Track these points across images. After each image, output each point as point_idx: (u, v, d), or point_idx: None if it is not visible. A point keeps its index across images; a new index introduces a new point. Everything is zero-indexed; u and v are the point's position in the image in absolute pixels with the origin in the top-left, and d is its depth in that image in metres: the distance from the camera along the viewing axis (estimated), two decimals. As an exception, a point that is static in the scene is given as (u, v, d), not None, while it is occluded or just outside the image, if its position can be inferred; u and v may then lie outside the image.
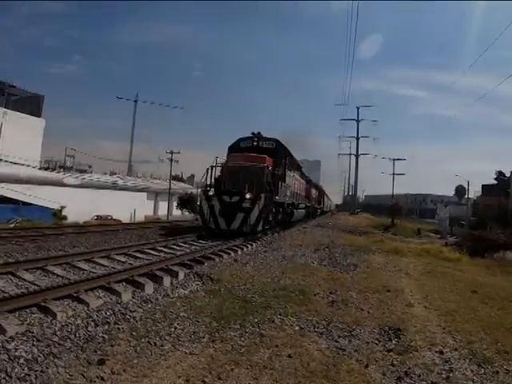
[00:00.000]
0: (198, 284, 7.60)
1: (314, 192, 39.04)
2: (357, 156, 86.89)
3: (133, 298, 6.27)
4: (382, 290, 8.02)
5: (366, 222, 46.61)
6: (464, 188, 50.45)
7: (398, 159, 64.83)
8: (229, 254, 11.58)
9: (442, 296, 7.95)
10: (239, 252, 12.38)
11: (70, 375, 3.67)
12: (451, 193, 71.75)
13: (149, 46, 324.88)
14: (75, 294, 5.83)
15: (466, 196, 49.85)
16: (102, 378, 3.64)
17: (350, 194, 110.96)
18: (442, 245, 20.79)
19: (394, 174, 64.64)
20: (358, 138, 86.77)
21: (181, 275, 7.98)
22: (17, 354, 3.96)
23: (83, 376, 3.66)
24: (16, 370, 3.66)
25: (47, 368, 3.76)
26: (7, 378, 3.50)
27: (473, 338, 5.51)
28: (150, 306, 5.96)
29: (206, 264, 9.44)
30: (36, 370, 3.69)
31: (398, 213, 46.04)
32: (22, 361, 3.84)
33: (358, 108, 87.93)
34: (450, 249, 18.05)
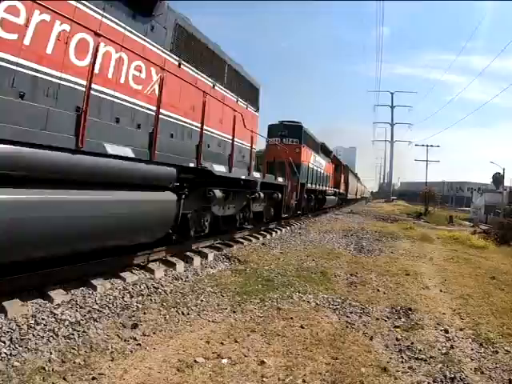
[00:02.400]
0: (225, 264, 8.16)
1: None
2: (391, 142, 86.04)
3: (165, 275, 6.85)
4: (401, 274, 8.38)
5: (400, 210, 46.29)
6: (502, 175, 49.11)
7: (431, 146, 63.54)
8: (257, 238, 12.09)
9: (459, 281, 8.21)
10: (268, 237, 12.87)
11: (107, 335, 4.26)
12: (490, 180, 70.23)
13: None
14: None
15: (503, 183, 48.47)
16: (135, 339, 4.22)
17: (386, 181, 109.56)
18: (471, 232, 20.65)
19: (427, 160, 63.41)
20: (392, 125, 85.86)
21: (210, 256, 8.53)
22: (63, 317, 4.57)
23: (118, 336, 4.25)
24: (62, 330, 4.28)
25: (88, 329, 4.36)
26: (54, 336, 4.11)
27: (480, 320, 5.78)
28: (179, 282, 6.53)
29: (234, 247, 9.99)
30: (78, 331, 4.30)
31: (431, 200, 45.14)
32: (66, 323, 4.45)
33: (391, 94, 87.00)
34: (477, 236, 18.05)
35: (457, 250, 13.19)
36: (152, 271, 6.74)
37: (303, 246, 11.44)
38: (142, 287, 5.95)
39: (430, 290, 7.23)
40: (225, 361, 3.84)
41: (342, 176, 35.13)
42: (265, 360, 3.89)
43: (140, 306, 5.25)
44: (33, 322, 4.38)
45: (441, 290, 7.33)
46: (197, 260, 7.99)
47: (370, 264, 9.28)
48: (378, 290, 6.93)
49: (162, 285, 6.20)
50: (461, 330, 5.33)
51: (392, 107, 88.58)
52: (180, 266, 7.40)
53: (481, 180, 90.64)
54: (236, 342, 4.33)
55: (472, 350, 4.71)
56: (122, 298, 5.46)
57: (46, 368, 3.46)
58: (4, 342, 3.84)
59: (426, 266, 9.60)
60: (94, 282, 5.78)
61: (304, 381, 3.55)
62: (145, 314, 4.98)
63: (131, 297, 5.54)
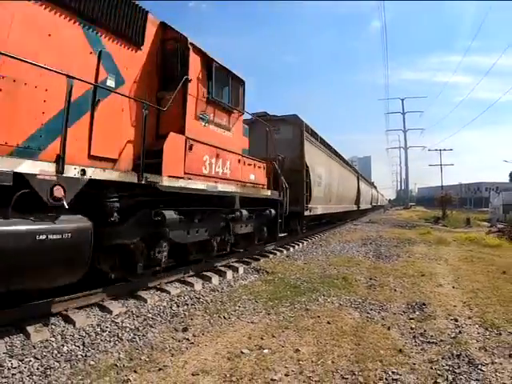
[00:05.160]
0: (255, 276, 8.97)
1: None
2: (405, 149, 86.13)
3: (203, 287, 7.67)
4: (417, 275, 9.06)
5: (418, 216, 46.60)
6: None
7: (444, 150, 63.89)
8: (281, 251, 12.90)
9: (471, 278, 8.86)
10: (291, 250, 13.69)
11: (163, 338, 5.08)
12: (508, 179, 69.80)
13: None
14: (158, 286, 7.28)
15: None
16: (187, 339, 5.02)
17: (403, 188, 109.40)
18: (486, 232, 21.12)
19: (441, 164, 63.81)
20: (404, 131, 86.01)
21: (240, 270, 9.37)
22: (123, 325, 5.43)
23: (173, 338, 5.06)
24: (125, 335, 5.13)
25: (146, 333, 5.21)
26: (119, 340, 4.96)
27: (488, 309, 6.43)
28: (217, 293, 7.36)
29: (261, 260, 10.83)
30: (139, 335, 5.14)
31: (448, 204, 45.16)
32: (127, 329, 5.31)
33: (402, 100, 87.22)
34: (492, 236, 18.56)
35: (471, 250, 13.82)
36: (192, 285, 7.57)
37: (325, 256, 12.22)
38: (186, 298, 6.81)
39: (443, 288, 7.89)
40: (266, 351, 4.62)
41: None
42: (299, 349, 4.66)
43: (187, 313, 6.10)
44: (99, 329, 5.24)
45: (453, 287, 7.98)
46: (229, 273, 8.82)
47: (388, 268, 9.98)
48: (395, 290, 7.63)
49: (202, 295, 7.06)
50: (469, 318, 5.99)
51: (403, 114, 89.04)
52: (215, 279, 8.23)
53: (498, 179, 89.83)
54: (273, 336, 5.11)
55: (478, 333, 5.36)
56: (171, 307, 6.33)
57: (118, 364, 4.27)
58: (78, 347, 4.69)
59: (440, 267, 10.26)
60: (143, 295, 6.65)
61: (333, 362, 4.31)
62: (192, 319, 5.79)
63: (178, 306, 6.40)
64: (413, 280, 8.54)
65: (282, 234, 12.73)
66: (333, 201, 21.86)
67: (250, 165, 10.59)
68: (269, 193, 11.56)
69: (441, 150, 63.16)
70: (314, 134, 17.86)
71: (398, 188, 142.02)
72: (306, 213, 15.57)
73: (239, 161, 9.85)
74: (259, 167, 11.23)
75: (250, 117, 12.94)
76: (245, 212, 9.73)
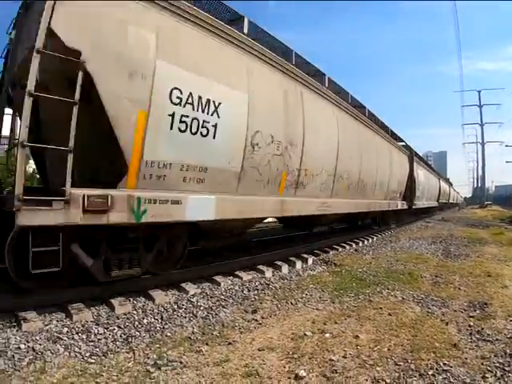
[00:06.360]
0: (323, 267, 9.35)
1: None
2: (482, 144, 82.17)
3: (273, 275, 8.17)
4: (483, 275, 8.94)
5: (493, 215, 44.60)
6: None
7: None
8: (351, 245, 13.22)
9: (540, 281, 8.71)
10: (360, 244, 13.98)
11: (233, 317, 5.59)
12: None
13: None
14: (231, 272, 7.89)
15: None
16: (256, 320, 5.49)
17: (479, 185, 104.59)
18: None
19: (518, 161, 60.61)
20: (481, 125, 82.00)
21: (310, 261, 9.80)
22: (198, 304, 6.02)
23: (243, 318, 5.56)
24: (199, 312, 5.70)
25: (219, 313, 5.75)
26: (194, 317, 5.54)
27: None
28: (285, 281, 7.83)
29: (330, 253, 11.23)
30: (211, 313, 5.70)
31: None
32: (202, 308, 5.89)
33: (479, 92, 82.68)
34: None
35: (544, 253, 13.28)
36: (263, 272, 8.12)
37: (393, 252, 12.35)
38: (257, 284, 7.35)
39: (508, 289, 7.79)
40: (327, 335, 4.99)
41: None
42: (359, 335, 4.99)
43: (256, 297, 6.60)
44: (176, 306, 5.87)
45: (518, 289, 7.97)
46: (298, 264, 9.29)
47: (455, 267, 9.91)
48: (459, 289, 7.68)
49: (272, 282, 7.55)
50: None
51: (480, 106, 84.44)
52: (285, 268, 8.71)
53: None
54: (335, 323, 5.46)
55: (536, 335, 5.47)
56: (242, 291, 6.87)
57: (191, 337, 4.80)
58: (157, 320, 5.33)
59: (508, 269, 9.99)
60: (217, 278, 7.25)
61: (389, 349, 4.61)
62: (261, 303, 6.27)
63: (249, 291, 6.93)
64: (478, 280, 8.52)
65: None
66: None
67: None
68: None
69: (517, 145, 59.90)
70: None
71: (475, 185, 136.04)
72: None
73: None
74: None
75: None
76: None
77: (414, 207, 23.49)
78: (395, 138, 20.06)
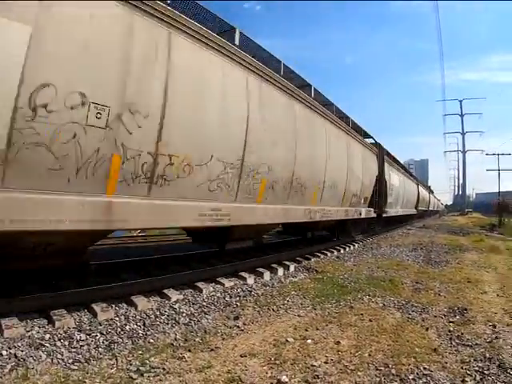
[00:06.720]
0: (305, 274, 9.40)
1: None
2: (464, 152, 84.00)
3: (255, 282, 8.18)
4: (463, 281, 9.13)
5: (474, 222, 45.29)
6: None
7: (503, 154, 61.68)
8: (332, 252, 13.29)
9: (518, 286, 8.87)
10: (342, 251, 14.05)
11: (216, 324, 5.59)
12: None
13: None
14: (213, 278, 7.87)
15: None
16: (238, 326, 5.50)
17: (460, 193, 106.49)
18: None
19: (499, 170, 61.63)
20: (463, 134, 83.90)
21: (291, 268, 9.83)
22: (181, 310, 6.01)
23: (225, 325, 5.56)
24: (181, 319, 5.69)
25: (201, 319, 5.74)
26: (176, 323, 5.53)
27: None
28: (267, 287, 7.84)
29: (312, 260, 11.30)
30: (194, 320, 5.69)
31: (505, 211, 43.55)
32: (184, 314, 5.88)
33: (460, 101, 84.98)
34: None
35: (524, 259, 13.57)
36: (245, 279, 8.11)
37: (374, 259, 12.48)
38: (239, 290, 7.35)
39: (487, 295, 7.95)
40: (309, 341, 5.01)
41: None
42: (340, 341, 5.03)
43: (238, 304, 6.60)
44: (158, 313, 5.83)
45: (497, 295, 8.00)
46: (280, 270, 9.31)
47: (435, 274, 10.08)
48: (439, 295, 7.80)
49: (254, 289, 7.57)
50: (508, 325, 6.05)
51: (461, 115, 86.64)
52: (267, 275, 8.73)
53: None
54: (317, 329, 5.50)
55: (515, 340, 5.56)
56: (224, 298, 6.87)
57: (174, 344, 4.79)
58: (140, 326, 5.29)
59: (488, 275, 10.24)
60: (199, 285, 7.23)
61: (370, 354, 4.66)
62: (243, 310, 6.29)
63: (230, 297, 6.93)
64: (458, 286, 8.66)
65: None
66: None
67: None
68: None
69: (499, 154, 60.99)
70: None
71: (455, 193, 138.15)
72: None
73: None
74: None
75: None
76: None
77: (385, 215, 20.78)
78: (359, 131, 16.80)
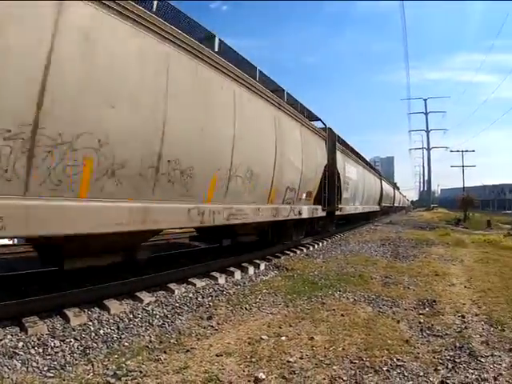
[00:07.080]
0: (275, 272, 9.48)
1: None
2: (428, 150, 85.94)
3: (226, 281, 8.18)
4: (431, 275, 9.43)
5: (440, 217, 46.43)
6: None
7: (467, 151, 63.61)
8: (301, 250, 13.45)
9: (483, 278, 9.14)
10: (311, 248, 14.20)
11: (190, 324, 5.59)
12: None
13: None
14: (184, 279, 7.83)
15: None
16: (212, 326, 5.51)
17: (426, 189, 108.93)
18: (504, 235, 21.22)
19: (463, 166, 63.49)
20: (427, 132, 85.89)
21: (262, 266, 9.89)
22: (154, 312, 5.97)
23: (199, 325, 5.57)
24: (155, 321, 5.66)
25: (175, 320, 5.74)
26: (150, 326, 5.50)
27: (495, 308, 6.72)
28: (239, 286, 7.87)
29: (282, 258, 11.42)
30: (168, 322, 5.67)
31: (469, 205, 44.80)
32: (157, 316, 5.85)
33: (425, 100, 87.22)
34: (510, 238, 18.68)
35: (488, 252, 14.02)
36: (216, 278, 8.10)
37: (343, 255, 12.67)
38: (211, 290, 7.35)
39: (455, 287, 8.22)
40: (283, 338, 5.08)
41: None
42: (314, 337, 5.11)
43: (211, 304, 6.62)
44: (131, 316, 5.79)
45: (465, 286, 8.30)
46: (251, 269, 9.38)
47: (403, 268, 10.35)
48: (409, 288, 8.01)
49: (225, 288, 7.59)
50: (476, 315, 6.32)
51: (426, 114, 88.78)
52: (237, 274, 8.77)
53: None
54: (290, 326, 5.57)
55: (482, 329, 5.69)
56: (196, 298, 6.87)
57: (149, 346, 4.77)
58: (114, 330, 5.24)
59: (455, 268, 10.58)
60: (171, 286, 7.19)
61: (343, 348, 4.75)
62: (216, 309, 6.30)
63: (203, 297, 6.94)
64: (427, 279, 8.90)
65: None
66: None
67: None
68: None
69: (463, 151, 62.84)
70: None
71: (421, 189, 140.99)
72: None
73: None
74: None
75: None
76: None
77: (339, 213, 18.27)
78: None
